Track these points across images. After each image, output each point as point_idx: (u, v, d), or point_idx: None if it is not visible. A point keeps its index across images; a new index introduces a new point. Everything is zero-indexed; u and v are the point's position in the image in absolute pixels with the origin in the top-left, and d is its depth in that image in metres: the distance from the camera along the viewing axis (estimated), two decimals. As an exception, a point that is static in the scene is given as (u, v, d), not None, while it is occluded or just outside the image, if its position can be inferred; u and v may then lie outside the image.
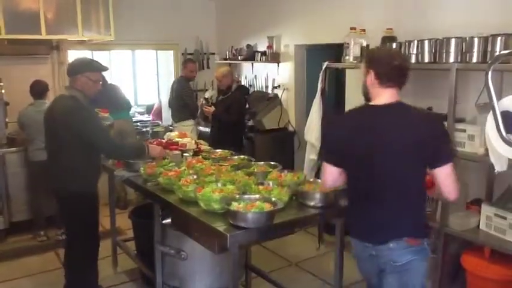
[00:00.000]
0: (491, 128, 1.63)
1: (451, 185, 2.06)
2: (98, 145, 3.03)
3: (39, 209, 4.74)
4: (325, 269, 3.88)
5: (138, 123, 5.92)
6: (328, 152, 2.32)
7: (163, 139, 3.83)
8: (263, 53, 5.96)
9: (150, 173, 2.99)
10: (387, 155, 2.07)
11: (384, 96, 2.13)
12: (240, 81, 6.47)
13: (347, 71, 4.87)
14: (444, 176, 2.05)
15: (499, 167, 2.28)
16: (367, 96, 2.24)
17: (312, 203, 2.54)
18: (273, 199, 2.39)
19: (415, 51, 3.58)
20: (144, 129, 4.58)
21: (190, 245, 2.74)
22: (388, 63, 2.12)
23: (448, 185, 2.06)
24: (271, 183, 2.70)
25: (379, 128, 2.10)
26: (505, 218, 2.97)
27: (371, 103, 2.19)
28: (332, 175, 2.25)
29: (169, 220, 2.85)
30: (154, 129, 4.51)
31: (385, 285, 2.17)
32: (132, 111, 6.01)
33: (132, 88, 7.16)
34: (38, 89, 4.65)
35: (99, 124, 3.15)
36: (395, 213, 2.11)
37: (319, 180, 2.69)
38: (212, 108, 5.34)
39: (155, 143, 3.60)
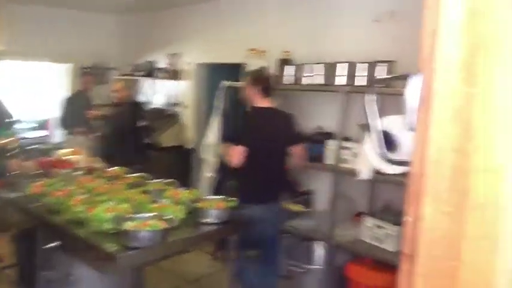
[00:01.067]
0: (368, 145, 1.79)
1: (303, 157, 3.37)
2: None
3: None
4: (221, 286, 3.88)
5: (24, 140, 5.48)
6: (245, 136, 3.09)
7: (53, 156, 3.61)
8: (164, 70, 5.90)
9: (36, 193, 2.79)
10: (280, 140, 3.18)
11: (265, 102, 3.19)
12: (135, 97, 6.31)
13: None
14: (300, 151, 3.31)
15: (364, 175, 2.80)
16: (248, 103, 3.27)
17: (207, 220, 2.55)
18: (168, 217, 2.36)
19: (309, 74, 3.79)
20: (31, 147, 4.24)
21: (82, 268, 2.58)
22: (266, 81, 3.27)
23: (300, 156, 3.33)
24: (166, 200, 2.66)
25: (271, 121, 3.17)
26: (383, 228, 3.23)
27: (260, 106, 3.18)
28: (243, 154, 3.01)
29: (57, 243, 2.67)
30: (43, 147, 4.21)
31: (276, 227, 3.22)
32: (19, 126, 5.58)
33: (23, 102, 6.64)
34: None
35: None
36: (284, 181, 3.32)
37: (215, 197, 2.78)
38: (99, 112, 5.26)
39: (43, 161, 3.37)
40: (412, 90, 1.25)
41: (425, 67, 0.71)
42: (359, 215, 3.61)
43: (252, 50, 4.31)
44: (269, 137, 3.10)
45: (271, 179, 3.15)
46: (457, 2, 0.66)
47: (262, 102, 3.18)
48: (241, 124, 3.35)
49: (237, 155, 3.02)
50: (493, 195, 0.62)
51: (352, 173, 3.27)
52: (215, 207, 2.60)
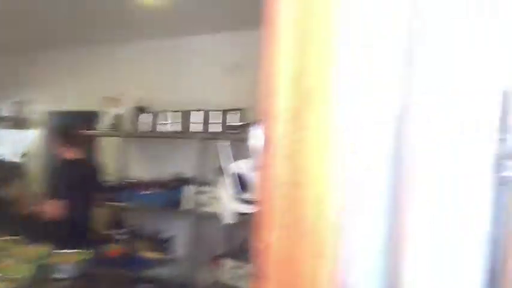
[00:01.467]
0: (223, 188, 1.93)
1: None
2: None
3: None
4: None
5: None
6: (62, 190, 3.27)
7: None
8: (8, 118, 5.45)
9: None
10: (85, 189, 3.34)
11: (72, 154, 3.40)
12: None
13: (103, 138, 4.86)
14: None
15: (228, 219, 2.85)
16: (58, 155, 3.48)
17: (60, 276, 2.40)
18: (13, 277, 2.16)
19: (164, 122, 3.88)
20: None
21: None
22: (71, 134, 3.53)
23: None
24: (11, 259, 2.43)
25: (77, 172, 3.36)
26: (241, 268, 3.36)
27: (67, 158, 3.40)
28: (59, 208, 3.14)
29: None
30: None
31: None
32: None
33: None
34: None
35: None
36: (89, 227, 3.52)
37: (67, 251, 2.66)
38: None
39: None
40: (255, 136, 1.43)
41: (265, 116, 0.85)
42: (218, 257, 3.70)
43: (108, 97, 4.25)
44: (75, 187, 3.25)
45: (79, 225, 3.29)
46: (287, 63, 0.81)
47: (69, 154, 3.42)
48: (53, 177, 3.54)
49: (52, 209, 3.16)
50: (322, 220, 0.77)
51: (210, 216, 3.38)
52: (66, 262, 2.47)
